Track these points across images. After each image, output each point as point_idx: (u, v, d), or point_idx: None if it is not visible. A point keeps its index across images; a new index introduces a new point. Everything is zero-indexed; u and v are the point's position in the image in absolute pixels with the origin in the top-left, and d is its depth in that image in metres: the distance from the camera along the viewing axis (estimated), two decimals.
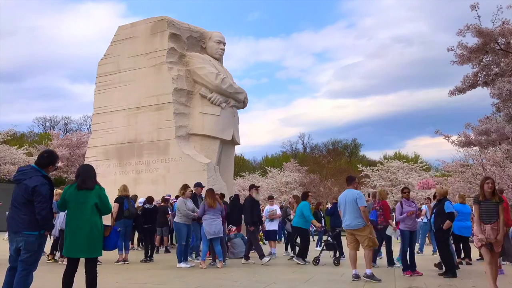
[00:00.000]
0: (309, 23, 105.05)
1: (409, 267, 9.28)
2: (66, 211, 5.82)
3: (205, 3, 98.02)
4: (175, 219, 11.03)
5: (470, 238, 11.70)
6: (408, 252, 9.37)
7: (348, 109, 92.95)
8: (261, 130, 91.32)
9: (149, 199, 12.85)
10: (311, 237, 15.50)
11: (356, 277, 8.28)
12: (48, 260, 11.04)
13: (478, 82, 11.55)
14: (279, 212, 14.37)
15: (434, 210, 9.84)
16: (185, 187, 11.04)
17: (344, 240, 9.79)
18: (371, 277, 8.17)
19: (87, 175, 5.74)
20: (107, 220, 6.15)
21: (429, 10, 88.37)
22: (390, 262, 10.74)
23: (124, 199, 11.34)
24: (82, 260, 5.68)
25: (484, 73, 11.48)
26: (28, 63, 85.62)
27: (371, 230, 8.58)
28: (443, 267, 9.52)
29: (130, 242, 12.80)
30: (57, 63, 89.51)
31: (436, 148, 76.73)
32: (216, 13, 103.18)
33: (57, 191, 11.33)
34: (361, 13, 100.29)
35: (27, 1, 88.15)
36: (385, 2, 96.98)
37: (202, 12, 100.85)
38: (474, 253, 12.18)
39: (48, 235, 5.70)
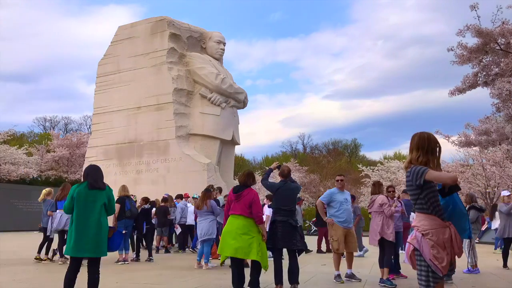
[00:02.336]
0: (329, 23, 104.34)
1: (393, 270, 8.70)
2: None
3: (227, 5, 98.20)
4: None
5: None
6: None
7: (358, 109, 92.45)
8: (267, 129, 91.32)
9: (146, 199, 12.86)
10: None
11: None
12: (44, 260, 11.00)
13: (478, 82, 11.54)
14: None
15: None
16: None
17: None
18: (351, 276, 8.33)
19: (98, 175, 5.74)
20: (109, 220, 6.16)
21: (451, 12, 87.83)
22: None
23: (126, 199, 11.23)
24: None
25: (484, 73, 11.47)
26: (47, 64, 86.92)
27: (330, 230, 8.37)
28: None
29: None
30: (76, 64, 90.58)
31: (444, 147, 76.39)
32: (236, 14, 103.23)
33: (46, 190, 11.74)
34: (381, 13, 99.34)
35: (51, 4, 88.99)
36: (407, 3, 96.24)
37: (222, 14, 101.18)
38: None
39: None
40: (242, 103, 20.24)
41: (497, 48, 10.92)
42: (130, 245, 12.03)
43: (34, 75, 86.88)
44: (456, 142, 13.25)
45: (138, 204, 13.58)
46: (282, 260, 7.16)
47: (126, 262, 10.85)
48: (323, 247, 14.62)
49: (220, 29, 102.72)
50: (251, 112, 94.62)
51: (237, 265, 6.80)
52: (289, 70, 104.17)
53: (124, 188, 11.48)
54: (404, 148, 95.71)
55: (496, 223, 14.95)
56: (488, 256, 13.67)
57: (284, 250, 7.25)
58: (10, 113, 79.94)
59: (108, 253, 5.80)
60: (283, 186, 7.26)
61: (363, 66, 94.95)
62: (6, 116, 78.63)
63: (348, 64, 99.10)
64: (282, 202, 7.12)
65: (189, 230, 15.94)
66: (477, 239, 17.55)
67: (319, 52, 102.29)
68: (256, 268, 6.79)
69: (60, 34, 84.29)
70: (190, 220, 14.98)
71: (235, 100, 19.60)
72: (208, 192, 10.67)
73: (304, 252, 10.92)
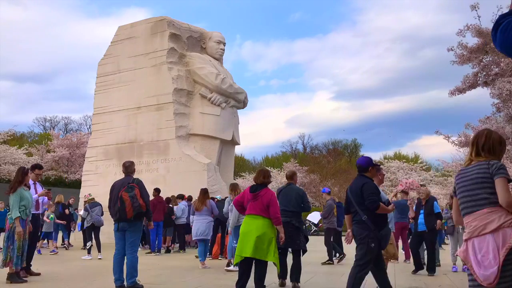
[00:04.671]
0: (348, 23, 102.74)
1: None
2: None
3: (246, 6, 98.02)
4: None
5: None
6: None
7: (367, 110, 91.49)
8: (273, 129, 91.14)
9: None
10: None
11: None
12: None
13: (478, 82, 11.56)
14: None
15: (421, 211, 9.96)
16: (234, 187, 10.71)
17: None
18: None
19: None
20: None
21: (472, 13, 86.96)
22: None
23: (60, 204, 15.78)
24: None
25: (484, 73, 11.49)
26: (64, 66, 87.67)
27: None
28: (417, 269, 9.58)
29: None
30: (94, 66, 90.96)
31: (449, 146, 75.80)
32: (256, 15, 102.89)
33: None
34: (402, 14, 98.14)
35: (71, 6, 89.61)
36: (428, 4, 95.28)
37: (241, 16, 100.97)
38: None
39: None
40: (242, 103, 20.24)
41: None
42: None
43: (50, 76, 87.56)
44: (456, 142, 13.26)
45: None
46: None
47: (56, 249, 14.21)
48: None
49: (239, 30, 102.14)
50: (259, 112, 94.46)
51: (248, 266, 6.72)
52: (304, 70, 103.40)
53: (60, 197, 16.12)
54: (408, 148, 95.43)
55: None
56: None
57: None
58: (23, 114, 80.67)
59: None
60: (285, 188, 7.54)
61: (378, 67, 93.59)
62: (18, 117, 79.32)
63: (364, 64, 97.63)
64: (286, 203, 7.29)
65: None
66: None
67: (336, 52, 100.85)
68: (262, 271, 6.73)
69: (80, 35, 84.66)
70: None
71: (235, 100, 19.60)
72: (207, 193, 10.86)
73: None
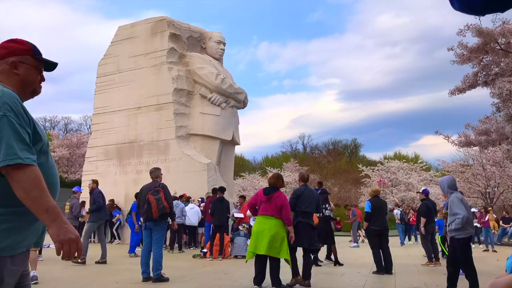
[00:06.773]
0: (365, 23, 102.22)
1: None
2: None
3: (264, 7, 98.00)
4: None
5: None
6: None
7: (375, 110, 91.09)
8: (277, 129, 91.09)
9: None
10: None
11: None
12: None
13: (478, 82, 11.56)
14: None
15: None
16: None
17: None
18: None
19: None
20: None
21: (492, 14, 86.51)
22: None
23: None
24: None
25: (484, 73, 11.50)
26: (81, 66, 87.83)
27: None
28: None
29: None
30: None
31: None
32: (275, 15, 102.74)
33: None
34: (419, 14, 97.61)
35: (93, 8, 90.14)
36: (447, 6, 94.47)
37: (259, 17, 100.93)
38: None
39: None
40: (242, 103, 20.23)
41: (497, 48, 10.92)
42: None
43: (64, 77, 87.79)
44: (456, 142, 13.28)
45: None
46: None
47: None
48: None
49: (256, 31, 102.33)
50: (266, 112, 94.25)
51: (263, 263, 7.17)
52: (317, 71, 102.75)
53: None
54: (412, 148, 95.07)
55: None
56: (489, 256, 13.67)
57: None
58: (33, 114, 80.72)
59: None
60: (306, 190, 7.81)
61: (392, 67, 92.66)
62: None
63: (378, 64, 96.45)
64: (307, 205, 7.62)
65: (191, 232, 15.92)
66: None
67: (351, 52, 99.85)
68: (276, 267, 7.16)
69: (99, 36, 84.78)
70: (194, 221, 15.03)
71: (235, 100, 19.58)
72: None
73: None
